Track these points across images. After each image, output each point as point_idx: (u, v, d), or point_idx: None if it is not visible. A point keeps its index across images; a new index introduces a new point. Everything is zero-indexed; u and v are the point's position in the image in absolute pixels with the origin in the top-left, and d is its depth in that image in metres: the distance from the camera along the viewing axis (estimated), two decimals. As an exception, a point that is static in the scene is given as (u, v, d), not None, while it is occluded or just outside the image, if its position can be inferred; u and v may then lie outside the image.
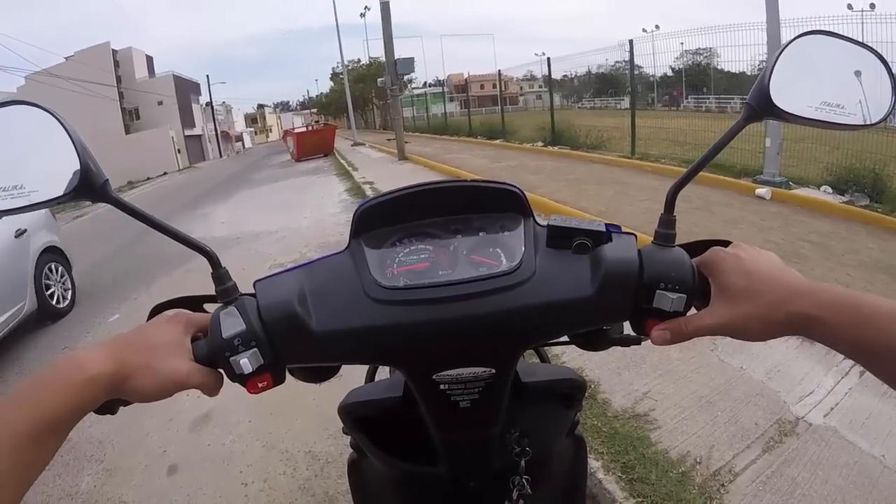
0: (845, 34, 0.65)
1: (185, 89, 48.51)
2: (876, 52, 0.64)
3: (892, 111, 0.64)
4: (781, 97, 0.62)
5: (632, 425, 2.57)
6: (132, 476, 2.76)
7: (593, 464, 2.31)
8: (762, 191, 7.11)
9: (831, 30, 0.64)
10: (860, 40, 0.65)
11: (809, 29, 0.65)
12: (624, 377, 2.99)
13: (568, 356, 3.10)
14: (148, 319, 0.71)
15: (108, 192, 0.61)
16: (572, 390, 0.85)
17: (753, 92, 0.63)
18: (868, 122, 0.64)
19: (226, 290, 0.68)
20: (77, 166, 0.58)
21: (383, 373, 1.20)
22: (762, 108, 0.63)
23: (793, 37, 0.64)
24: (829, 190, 6.97)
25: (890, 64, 0.64)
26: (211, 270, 0.68)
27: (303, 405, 3.09)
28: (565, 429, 0.87)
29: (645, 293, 0.65)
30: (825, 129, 0.67)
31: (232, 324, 0.64)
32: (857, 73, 0.64)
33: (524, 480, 0.76)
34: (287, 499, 2.45)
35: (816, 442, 2.41)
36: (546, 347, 1.31)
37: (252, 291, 0.69)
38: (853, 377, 2.87)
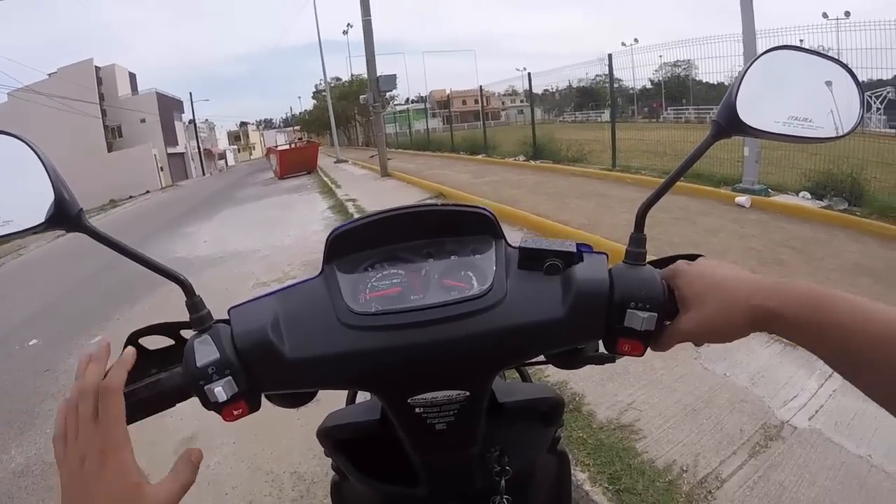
0: (817, 42, 0.66)
1: (168, 107, 48.30)
2: (843, 64, 0.65)
3: (860, 123, 0.65)
4: (748, 113, 0.62)
5: (617, 436, 2.57)
6: (115, 501, 2.71)
7: (580, 476, 2.31)
8: (742, 199, 7.19)
9: (804, 38, 0.65)
10: (827, 53, 0.67)
11: (780, 43, 0.66)
12: (608, 388, 3.00)
13: (551, 370, 3.09)
14: (124, 346, 0.71)
15: (83, 221, 0.61)
16: (551, 408, 0.85)
17: (721, 109, 0.64)
18: (837, 135, 0.64)
19: (200, 318, 0.68)
20: (51, 196, 0.58)
21: (364, 394, 1.20)
22: (729, 124, 0.64)
23: (758, 54, 0.65)
24: (808, 196, 7.07)
25: (858, 70, 0.66)
26: (185, 299, 0.68)
27: (287, 426, 3.05)
28: (545, 446, 0.87)
29: (616, 313, 0.66)
30: (795, 143, 0.68)
31: (206, 352, 0.64)
32: (826, 86, 0.64)
33: (504, 500, 0.75)
34: (273, 520, 2.43)
35: (802, 445, 2.43)
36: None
37: (227, 318, 0.70)
38: (837, 379, 2.90)
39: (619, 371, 3.11)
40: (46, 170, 0.58)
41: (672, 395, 2.88)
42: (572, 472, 0.98)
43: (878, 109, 10.21)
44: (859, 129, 0.63)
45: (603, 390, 2.99)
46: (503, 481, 0.75)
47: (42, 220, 0.58)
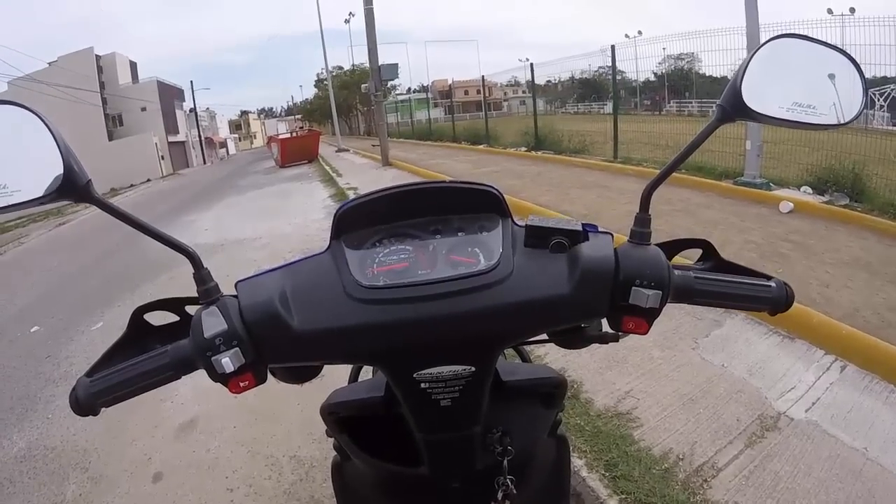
0: (821, 38, 0.67)
1: (169, 95, 48.05)
2: (847, 53, 0.66)
3: (862, 111, 0.66)
4: (753, 98, 0.63)
5: (614, 424, 2.59)
6: (117, 484, 2.73)
7: (577, 462, 2.32)
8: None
9: (808, 33, 0.66)
10: (831, 43, 0.67)
11: (784, 32, 0.67)
12: (606, 377, 3.01)
13: (551, 357, 3.12)
14: (129, 322, 0.72)
15: (91, 192, 0.62)
16: (553, 389, 0.85)
17: (726, 93, 0.65)
18: (839, 122, 0.65)
19: (207, 291, 0.69)
20: (60, 166, 0.59)
21: (366, 374, 1.21)
22: (734, 108, 0.65)
23: (764, 41, 0.66)
24: (809, 190, 7.05)
25: (861, 66, 0.67)
26: (193, 271, 0.69)
27: (287, 410, 3.07)
28: (547, 428, 0.87)
29: (621, 290, 0.67)
30: (798, 130, 0.69)
31: (213, 323, 0.65)
32: (829, 75, 0.66)
33: (508, 480, 0.76)
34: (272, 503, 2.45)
35: (798, 436, 2.44)
36: (528, 348, 1.32)
37: (234, 293, 0.70)
38: (834, 372, 2.93)
39: (617, 359, 3.12)
40: (56, 140, 0.59)
41: (670, 385, 2.89)
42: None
43: (882, 107, 10.18)
44: (863, 126, 0.63)
45: (601, 378, 3.00)
46: (506, 461, 0.76)
47: (51, 189, 0.59)
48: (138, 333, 0.73)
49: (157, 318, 0.75)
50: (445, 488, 0.82)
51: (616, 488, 2.18)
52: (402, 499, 0.87)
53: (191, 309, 0.72)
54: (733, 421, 2.56)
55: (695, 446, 2.40)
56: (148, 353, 0.67)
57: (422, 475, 0.79)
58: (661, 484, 2.18)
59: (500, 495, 0.76)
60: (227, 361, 0.63)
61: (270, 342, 0.66)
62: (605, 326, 0.75)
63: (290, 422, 3.02)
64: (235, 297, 0.69)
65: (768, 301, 0.72)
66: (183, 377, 0.68)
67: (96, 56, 41.76)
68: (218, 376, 0.65)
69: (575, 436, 2.50)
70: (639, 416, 2.65)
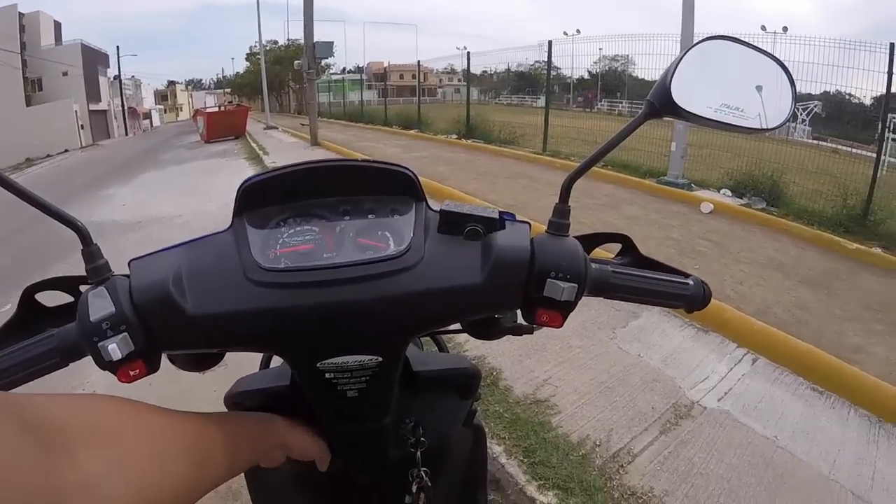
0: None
1: (93, 60, 45.22)
2: (779, 60, 0.66)
3: (790, 118, 0.66)
4: (682, 96, 0.63)
5: (533, 411, 2.63)
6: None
7: (496, 449, 2.35)
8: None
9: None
10: (764, 49, 0.68)
11: (719, 34, 0.67)
12: (525, 364, 3.05)
13: (471, 344, 3.15)
14: (19, 302, 0.65)
15: None
16: (467, 380, 0.83)
17: (655, 90, 0.64)
18: (766, 127, 0.65)
19: (96, 269, 0.62)
20: None
21: (278, 361, 1.15)
22: (662, 105, 0.64)
23: (698, 40, 0.65)
24: (729, 193, 7.40)
25: (792, 74, 0.68)
26: (81, 248, 0.62)
27: (202, 397, 2.95)
28: (461, 418, 0.86)
29: (536, 282, 0.65)
30: (724, 131, 0.69)
31: (100, 306, 0.58)
32: (760, 80, 0.66)
33: (423, 472, 0.74)
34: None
35: (711, 424, 2.56)
36: (446, 336, 1.30)
37: (128, 272, 0.64)
38: (746, 365, 3.09)
39: (536, 348, 3.18)
40: None
41: (587, 373, 2.97)
42: (488, 445, 0.97)
43: (804, 121, 10.93)
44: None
45: (520, 366, 3.04)
46: (419, 453, 0.74)
47: None
48: (29, 315, 0.66)
49: (52, 299, 0.68)
50: (360, 482, 0.80)
51: (534, 474, 2.22)
52: (315, 494, 0.84)
53: (85, 289, 0.65)
54: (648, 409, 2.66)
55: (611, 433, 2.47)
56: (35, 338, 0.61)
57: (333, 468, 0.76)
58: (578, 470, 2.23)
59: (414, 488, 0.74)
60: (115, 348, 0.57)
61: (162, 327, 0.61)
62: (521, 318, 0.73)
63: (205, 409, 2.89)
64: (127, 276, 0.63)
65: (685, 298, 0.71)
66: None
67: (20, 14, 39.00)
68: (105, 364, 0.58)
69: (494, 423, 2.52)
70: (557, 403, 2.70)
